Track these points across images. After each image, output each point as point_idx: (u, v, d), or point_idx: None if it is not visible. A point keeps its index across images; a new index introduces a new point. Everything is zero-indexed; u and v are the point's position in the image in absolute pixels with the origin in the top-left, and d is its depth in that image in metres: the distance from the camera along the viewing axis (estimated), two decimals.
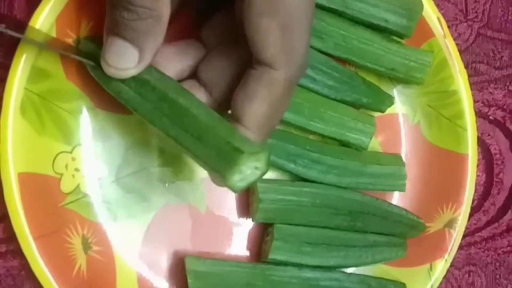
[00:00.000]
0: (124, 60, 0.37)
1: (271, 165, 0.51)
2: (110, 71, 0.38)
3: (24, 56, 0.44)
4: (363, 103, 0.55)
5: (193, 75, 0.43)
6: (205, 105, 0.40)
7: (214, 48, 0.43)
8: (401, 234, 0.55)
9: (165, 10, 0.34)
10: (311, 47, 0.51)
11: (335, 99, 0.54)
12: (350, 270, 0.54)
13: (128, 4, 0.34)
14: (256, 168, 0.36)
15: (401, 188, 0.55)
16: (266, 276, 0.50)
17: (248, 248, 0.53)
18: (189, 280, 0.48)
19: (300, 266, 0.51)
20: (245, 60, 0.39)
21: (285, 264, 0.51)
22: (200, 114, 0.37)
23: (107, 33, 0.37)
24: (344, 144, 0.54)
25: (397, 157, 0.56)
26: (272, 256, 0.50)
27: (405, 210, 0.56)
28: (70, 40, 0.46)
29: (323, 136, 0.54)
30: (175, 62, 0.43)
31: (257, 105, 0.37)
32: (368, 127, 0.55)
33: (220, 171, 0.35)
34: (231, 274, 0.49)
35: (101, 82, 0.41)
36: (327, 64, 0.53)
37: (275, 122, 0.40)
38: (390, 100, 0.56)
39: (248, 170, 0.36)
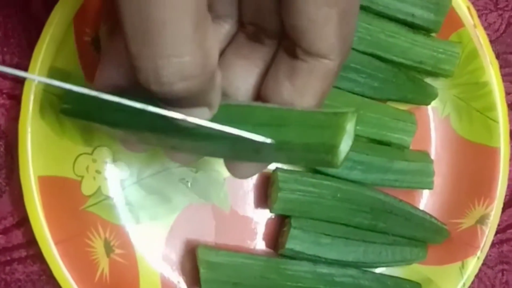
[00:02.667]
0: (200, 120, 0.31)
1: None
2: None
3: (41, 57, 0.43)
4: (408, 98, 0.54)
5: None
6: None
7: (232, 51, 0.37)
8: (423, 238, 0.54)
9: (214, 62, 0.28)
10: None
11: (380, 99, 0.53)
12: (379, 270, 0.53)
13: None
14: (348, 135, 0.30)
15: (429, 186, 0.54)
16: (280, 270, 0.49)
17: (274, 249, 0.52)
18: (201, 271, 0.47)
19: (316, 260, 0.50)
20: (269, 60, 0.35)
21: (301, 257, 0.49)
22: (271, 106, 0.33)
23: None
24: (385, 144, 0.53)
25: (425, 154, 0.55)
26: (289, 245, 0.49)
27: (429, 214, 0.54)
28: (88, 39, 0.45)
29: (363, 137, 0.53)
30: None
31: (310, 99, 0.34)
32: (409, 125, 0.54)
33: (326, 144, 0.29)
34: (245, 266, 0.48)
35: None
36: (371, 65, 0.51)
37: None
38: (434, 93, 0.55)
39: (349, 139, 0.30)
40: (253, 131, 0.31)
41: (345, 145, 0.30)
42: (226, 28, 0.36)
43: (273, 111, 0.31)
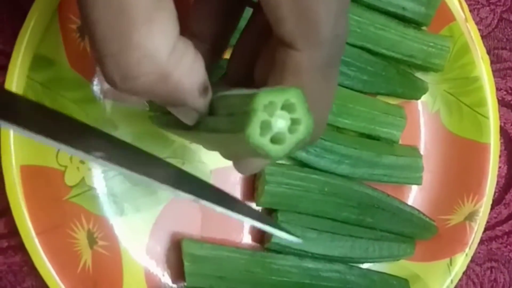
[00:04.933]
0: (190, 120, 0.32)
1: None
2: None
3: (25, 43, 0.43)
4: (398, 93, 0.53)
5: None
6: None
7: None
8: (412, 234, 0.53)
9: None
10: None
11: (369, 93, 0.52)
12: (366, 265, 0.52)
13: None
14: (293, 121, 0.25)
15: (418, 181, 0.53)
16: (265, 264, 0.48)
17: (260, 243, 0.51)
18: (185, 264, 0.46)
19: (302, 254, 0.49)
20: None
21: (287, 252, 0.49)
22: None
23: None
24: (374, 138, 0.53)
25: (414, 149, 0.55)
26: (275, 239, 0.48)
27: (418, 210, 0.54)
28: (73, 26, 0.44)
29: (352, 131, 0.52)
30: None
31: None
32: (398, 120, 0.53)
33: (242, 130, 0.25)
34: (230, 259, 0.48)
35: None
36: (361, 58, 0.51)
37: (319, 115, 0.32)
38: (424, 87, 0.54)
39: (279, 122, 0.25)
40: (224, 120, 0.29)
41: (269, 133, 0.25)
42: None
43: (233, 100, 0.29)
